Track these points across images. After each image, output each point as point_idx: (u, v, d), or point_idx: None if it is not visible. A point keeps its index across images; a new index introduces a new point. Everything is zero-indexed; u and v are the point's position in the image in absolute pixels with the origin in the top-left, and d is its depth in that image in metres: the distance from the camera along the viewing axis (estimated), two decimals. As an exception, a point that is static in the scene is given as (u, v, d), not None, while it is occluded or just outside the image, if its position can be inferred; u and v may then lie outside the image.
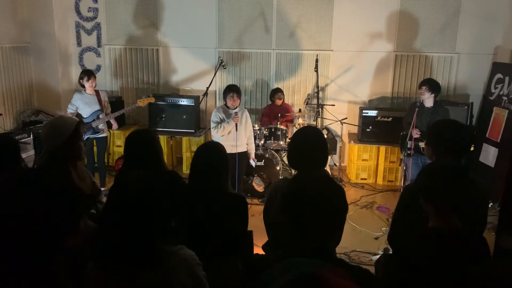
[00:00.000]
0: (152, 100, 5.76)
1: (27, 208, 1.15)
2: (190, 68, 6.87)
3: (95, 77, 5.40)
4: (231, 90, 4.68)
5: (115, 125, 5.56)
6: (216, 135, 4.67)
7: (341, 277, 0.95)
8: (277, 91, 6.05)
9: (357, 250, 4.22)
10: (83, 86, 5.30)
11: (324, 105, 6.31)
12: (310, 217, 1.42)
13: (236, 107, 4.72)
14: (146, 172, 1.59)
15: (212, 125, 4.69)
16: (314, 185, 1.51)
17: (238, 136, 4.65)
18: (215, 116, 4.69)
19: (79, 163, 2.64)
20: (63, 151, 2.41)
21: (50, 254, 1.19)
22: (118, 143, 6.58)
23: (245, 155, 4.93)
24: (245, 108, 5.29)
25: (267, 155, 5.50)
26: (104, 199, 1.70)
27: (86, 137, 5.27)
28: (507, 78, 5.51)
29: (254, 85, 6.83)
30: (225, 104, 4.75)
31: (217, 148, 2.50)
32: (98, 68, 7.03)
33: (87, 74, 5.29)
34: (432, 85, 4.76)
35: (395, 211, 2.32)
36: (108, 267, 1.49)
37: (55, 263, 1.21)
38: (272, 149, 5.62)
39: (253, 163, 5.14)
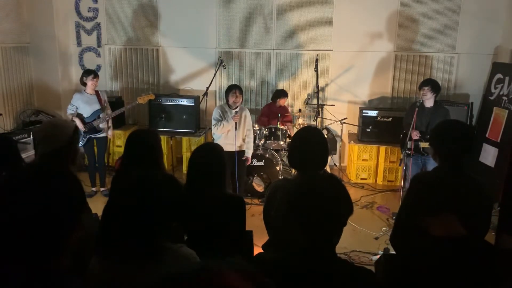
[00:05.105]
0: (152, 96, 5.79)
1: (29, 205, 1.15)
2: (190, 68, 6.88)
3: (99, 77, 5.43)
4: (234, 87, 4.80)
5: (110, 132, 5.48)
6: (216, 132, 4.76)
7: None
8: (283, 94, 5.98)
9: (357, 250, 4.22)
10: (84, 84, 5.31)
11: (324, 105, 6.31)
12: (318, 216, 1.41)
13: (237, 106, 4.75)
14: (147, 172, 1.61)
15: (213, 122, 4.79)
16: (322, 184, 1.50)
17: (237, 136, 4.72)
18: (216, 113, 4.79)
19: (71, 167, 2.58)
20: (63, 153, 2.34)
21: (53, 250, 1.20)
22: (118, 143, 6.58)
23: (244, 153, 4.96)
24: (246, 108, 5.27)
25: (267, 155, 5.50)
26: (103, 200, 1.71)
27: (87, 136, 5.29)
28: (507, 78, 5.51)
29: (254, 85, 6.83)
30: (227, 103, 4.79)
31: (214, 149, 2.49)
32: (98, 68, 7.02)
33: (93, 72, 5.33)
34: (434, 85, 4.74)
35: (398, 211, 2.31)
36: (111, 262, 1.50)
37: (59, 259, 1.22)
38: (272, 149, 5.62)
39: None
